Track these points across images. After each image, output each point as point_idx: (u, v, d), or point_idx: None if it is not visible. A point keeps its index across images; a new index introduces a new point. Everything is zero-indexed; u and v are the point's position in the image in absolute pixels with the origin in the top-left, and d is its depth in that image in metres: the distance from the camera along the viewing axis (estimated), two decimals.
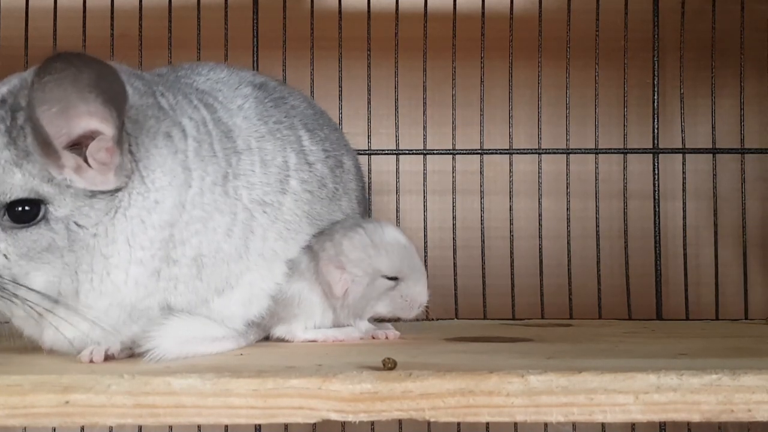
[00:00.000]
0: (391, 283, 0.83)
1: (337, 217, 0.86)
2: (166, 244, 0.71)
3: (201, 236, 0.73)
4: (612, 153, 1.17)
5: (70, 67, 0.63)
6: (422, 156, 1.14)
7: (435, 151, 1.15)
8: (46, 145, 0.65)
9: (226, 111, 0.79)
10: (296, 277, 0.81)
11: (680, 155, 1.16)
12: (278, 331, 0.82)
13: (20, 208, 0.66)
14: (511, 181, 1.14)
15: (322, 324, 0.83)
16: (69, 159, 0.67)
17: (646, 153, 1.17)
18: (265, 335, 0.83)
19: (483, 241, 1.14)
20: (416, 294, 0.83)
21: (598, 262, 1.14)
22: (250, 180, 0.77)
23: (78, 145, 0.67)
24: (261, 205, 0.77)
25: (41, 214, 0.67)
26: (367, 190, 1.00)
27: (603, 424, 1.14)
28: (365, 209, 0.96)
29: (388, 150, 1.15)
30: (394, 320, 0.87)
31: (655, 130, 1.16)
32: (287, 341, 0.82)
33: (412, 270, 0.83)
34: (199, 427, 1.09)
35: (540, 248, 1.14)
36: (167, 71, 0.84)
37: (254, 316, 0.79)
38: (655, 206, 1.16)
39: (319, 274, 0.81)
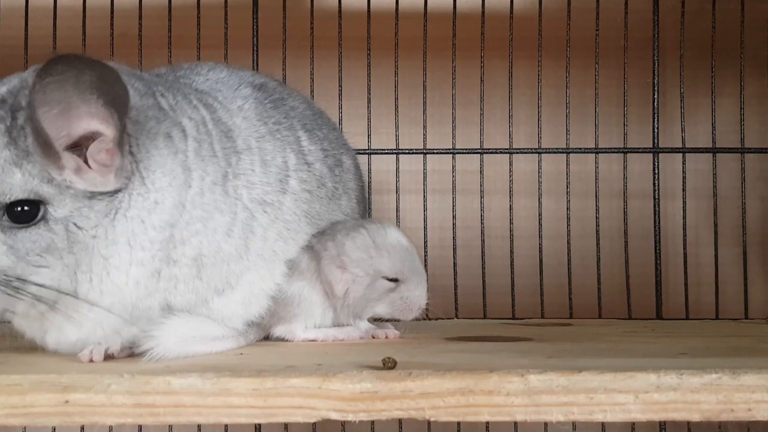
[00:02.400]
0: (392, 284, 0.83)
1: (337, 217, 0.86)
2: (167, 245, 0.71)
3: (201, 236, 0.73)
4: (612, 152, 1.17)
5: (71, 69, 0.63)
6: (422, 155, 1.14)
7: (435, 151, 1.15)
8: (46, 146, 0.65)
9: (226, 111, 0.79)
10: (296, 276, 0.81)
11: (680, 155, 1.16)
12: (278, 331, 0.82)
13: (20, 209, 0.66)
14: (511, 181, 1.14)
15: (322, 324, 0.83)
16: (69, 160, 0.67)
17: (646, 152, 1.17)
18: (265, 335, 0.83)
19: (483, 241, 1.14)
20: (416, 297, 0.83)
21: (598, 262, 1.14)
22: (250, 179, 0.77)
23: (78, 146, 0.67)
24: (261, 204, 0.77)
25: (40, 214, 0.66)
26: (366, 190, 1.00)
27: (603, 424, 1.14)
28: (365, 208, 0.96)
29: (388, 149, 1.15)
30: (394, 320, 0.87)
31: (655, 130, 1.16)
32: (287, 341, 0.82)
33: (412, 272, 0.83)
34: (199, 426, 1.09)
35: (540, 248, 1.14)
36: (166, 71, 0.85)
37: (254, 315, 0.79)
38: (655, 206, 1.16)
39: (321, 274, 0.81)
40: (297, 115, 0.86)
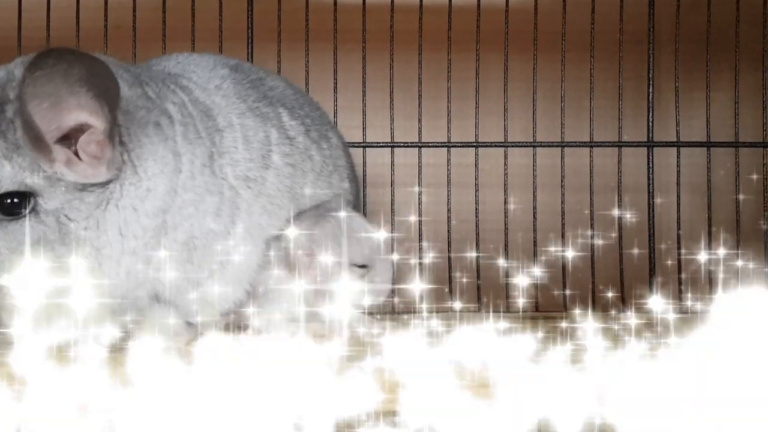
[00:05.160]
0: (362, 270, 0.85)
1: (328, 194, 0.86)
2: (159, 232, 0.71)
3: (193, 219, 0.73)
4: (607, 146, 1.17)
5: (61, 62, 0.63)
6: (417, 149, 1.14)
7: (430, 144, 1.14)
8: (37, 139, 0.65)
9: (203, 90, 0.79)
10: (269, 265, 0.82)
11: (675, 148, 1.16)
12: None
13: (9, 201, 0.66)
14: (506, 174, 1.14)
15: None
16: (60, 153, 0.67)
17: (640, 146, 1.17)
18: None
19: (477, 234, 1.14)
20: (382, 282, 0.86)
21: (593, 255, 1.14)
22: (233, 157, 0.77)
23: (69, 139, 0.67)
24: (245, 180, 0.77)
25: (31, 206, 0.67)
26: (355, 168, 0.99)
27: None
28: (358, 189, 0.96)
29: (383, 143, 1.14)
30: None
31: (650, 123, 1.16)
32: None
33: (379, 259, 0.86)
34: None
35: (534, 241, 1.14)
36: (143, 66, 0.85)
37: (242, 295, 0.79)
38: (649, 199, 1.16)
39: (290, 262, 0.82)
40: (276, 94, 0.86)
